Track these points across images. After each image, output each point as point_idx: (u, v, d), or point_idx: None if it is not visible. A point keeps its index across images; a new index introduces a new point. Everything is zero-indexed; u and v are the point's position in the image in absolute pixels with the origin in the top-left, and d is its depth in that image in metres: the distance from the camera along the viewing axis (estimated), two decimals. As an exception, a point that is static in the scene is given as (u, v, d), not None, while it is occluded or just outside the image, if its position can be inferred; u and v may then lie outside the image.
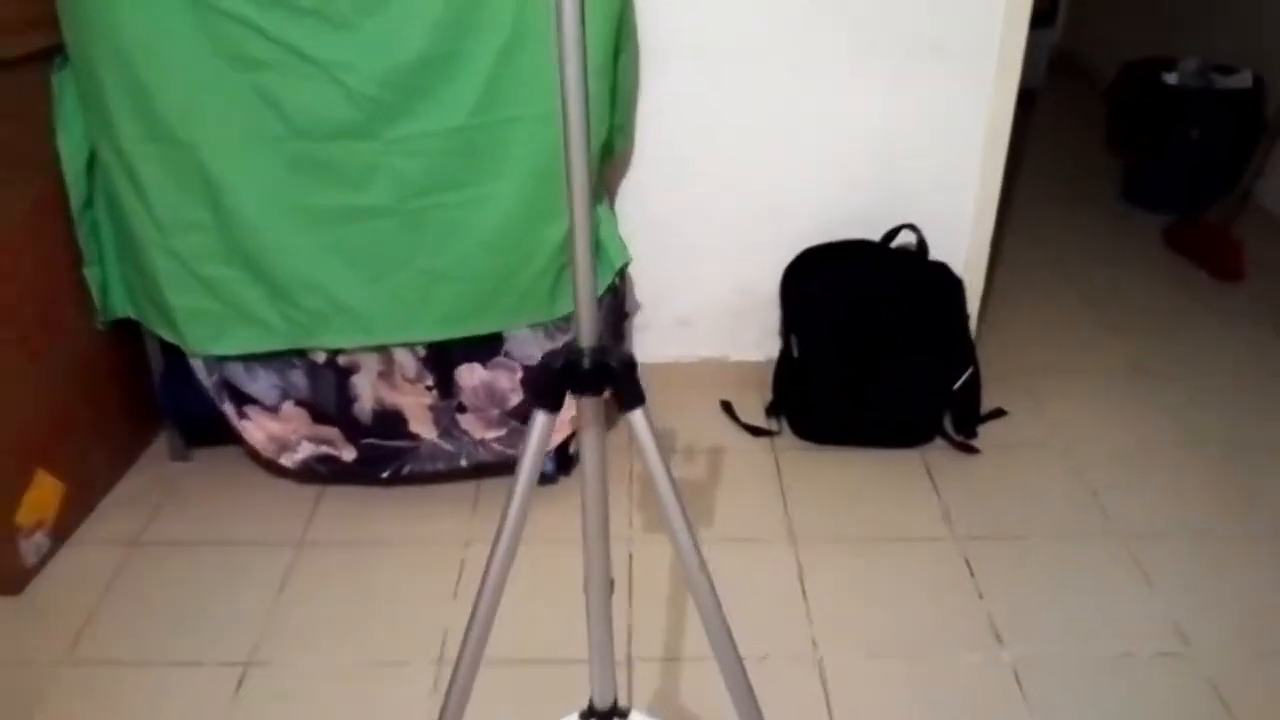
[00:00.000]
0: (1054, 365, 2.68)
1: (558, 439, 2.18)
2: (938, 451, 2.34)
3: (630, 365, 0.85)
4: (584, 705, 1.15)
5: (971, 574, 1.98)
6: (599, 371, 0.84)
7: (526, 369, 2.09)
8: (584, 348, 0.84)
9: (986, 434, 2.38)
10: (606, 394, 0.86)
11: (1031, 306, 2.96)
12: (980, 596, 1.93)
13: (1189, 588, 1.94)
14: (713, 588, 0.96)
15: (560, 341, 2.09)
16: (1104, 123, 4.07)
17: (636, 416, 0.85)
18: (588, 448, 0.94)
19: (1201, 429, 2.41)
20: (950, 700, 1.71)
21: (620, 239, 2.18)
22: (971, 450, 2.33)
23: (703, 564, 0.94)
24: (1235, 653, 1.79)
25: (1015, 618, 1.87)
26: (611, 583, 1.04)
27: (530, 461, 0.85)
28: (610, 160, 2.25)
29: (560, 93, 0.75)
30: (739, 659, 1.00)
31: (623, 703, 1.14)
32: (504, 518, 0.92)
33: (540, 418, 0.85)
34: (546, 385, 0.83)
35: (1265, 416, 2.46)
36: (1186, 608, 1.89)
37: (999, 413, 2.44)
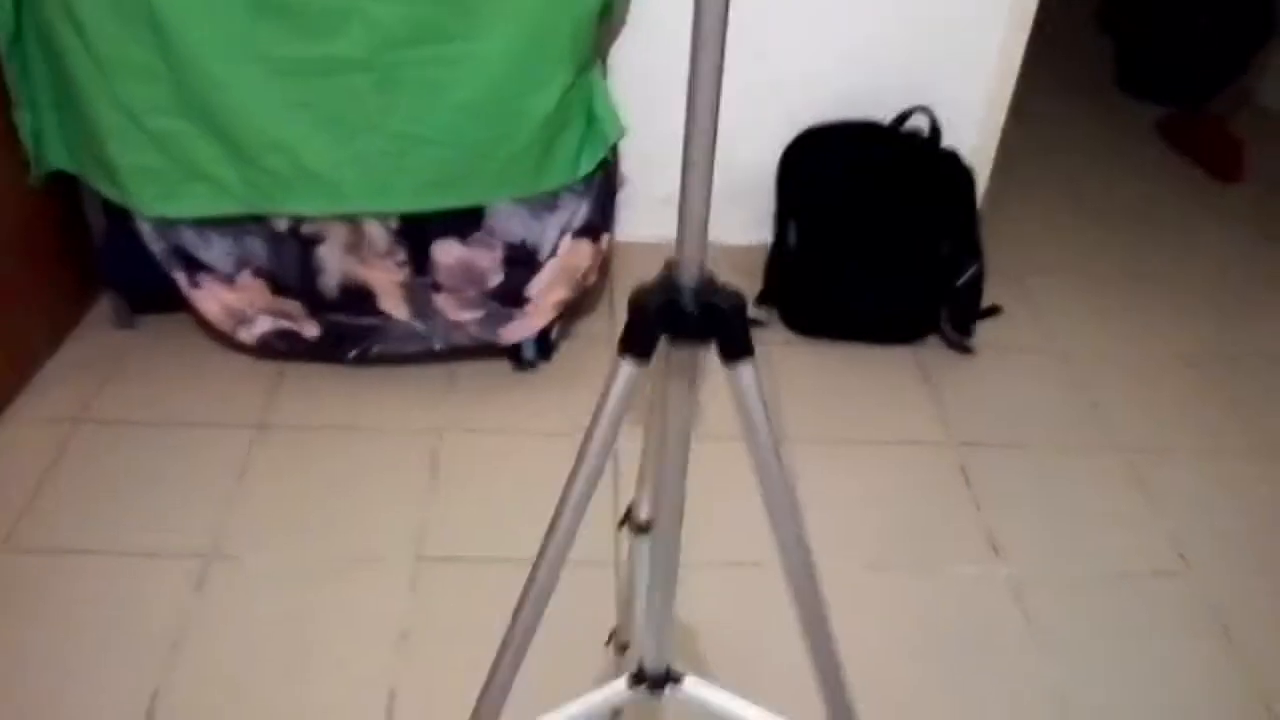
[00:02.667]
0: (1048, 265, 2.58)
1: (541, 322, 2.04)
2: (932, 350, 2.25)
3: (741, 309, 0.69)
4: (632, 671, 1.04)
5: (968, 483, 1.91)
6: (705, 315, 0.69)
7: (508, 246, 1.93)
8: (686, 285, 0.69)
9: (982, 334, 2.28)
10: (711, 344, 0.71)
11: (1024, 201, 2.84)
12: (977, 507, 1.86)
13: (1188, 505, 1.89)
14: (819, 596, 0.84)
15: (545, 220, 1.93)
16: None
17: (745, 372, 0.70)
18: (673, 405, 0.78)
19: (1201, 343, 2.34)
20: (947, 613, 1.66)
21: (615, 108, 2.00)
22: (968, 350, 2.24)
23: (806, 551, 0.82)
24: (1234, 572, 1.76)
25: (1012, 530, 1.82)
26: (678, 547, 0.92)
27: (607, 423, 0.71)
28: (608, 20, 2.05)
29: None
30: (836, 653, 0.89)
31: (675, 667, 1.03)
32: (571, 481, 0.77)
33: (625, 368, 0.70)
34: (639, 327, 0.68)
35: (1262, 328, 2.40)
36: (1186, 526, 1.85)
37: (994, 310, 2.35)
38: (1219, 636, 1.65)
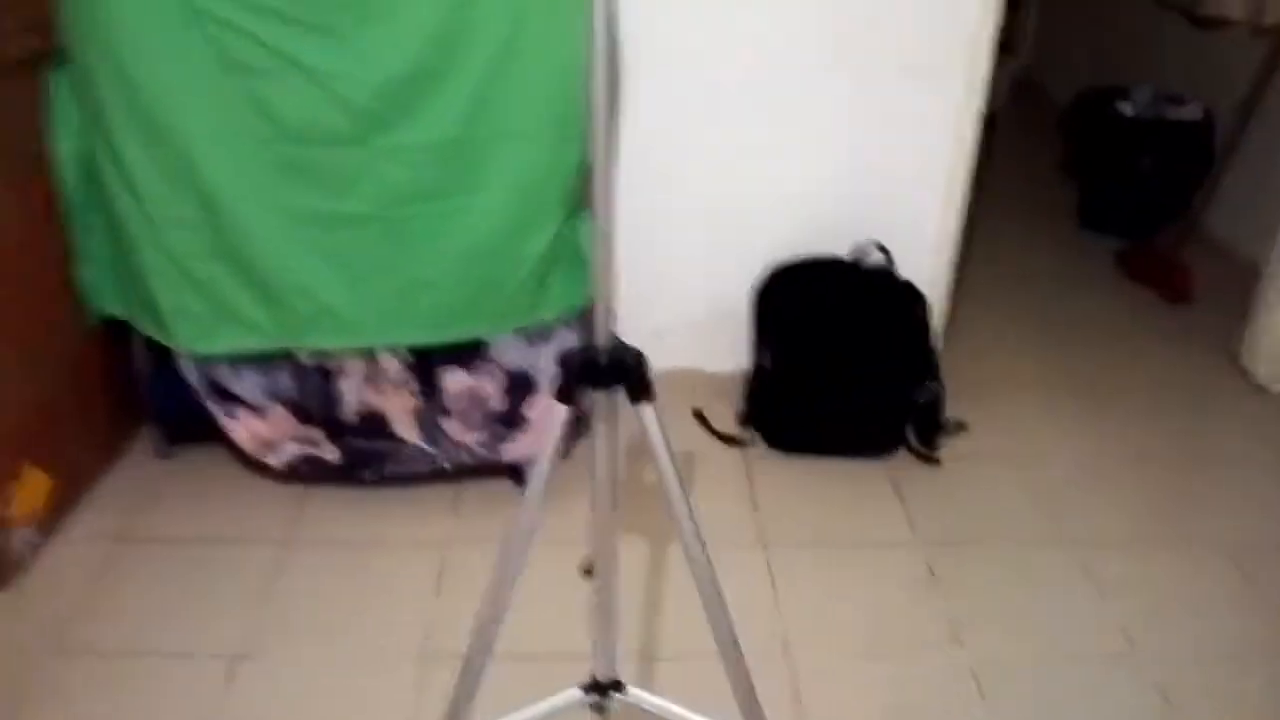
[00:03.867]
0: (1011, 382, 2.79)
1: (538, 443, 2.24)
2: (902, 462, 2.43)
3: (642, 362, 0.93)
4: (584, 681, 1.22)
5: (934, 576, 2.08)
6: (614, 368, 0.92)
7: (509, 374, 2.15)
8: (600, 346, 0.92)
9: (949, 446, 2.48)
10: (619, 389, 0.94)
11: (989, 325, 3.08)
12: (943, 599, 2.02)
13: (1136, 595, 2.04)
14: (711, 565, 1.03)
15: (540, 348, 2.15)
16: (1060, 147, 4.21)
17: (647, 411, 0.93)
18: (601, 436, 1.01)
19: (1149, 445, 2.53)
20: (913, 697, 1.80)
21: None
22: (934, 461, 2.43)
23: (703, 544, 1.02)
24: (1179, 655, 1.90)
25: (973, 620, 1.97)
26: (617, 570, 1.12)
27: (550, 447, 0.93)
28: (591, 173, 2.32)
29: (590, 104, 0.82)
30: (735, 639, 1.07)
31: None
32: (526, 500, 0.99)
33: (559, 410, 0.93)
34: (566, 379, 0.91)
35: (1209, 434, 2.59)
36: (1133, 613, 1.99)
37: (960, 426, 2.55)
38: (1165, 712, 1.78)
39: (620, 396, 0.96)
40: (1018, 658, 1.88)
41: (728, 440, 2.49)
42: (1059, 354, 2.94)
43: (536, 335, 2.14)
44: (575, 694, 1.18)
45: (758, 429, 2.49)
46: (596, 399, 0.97)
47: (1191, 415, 2.66)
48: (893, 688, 1.81)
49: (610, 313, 0.92)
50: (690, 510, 1.00)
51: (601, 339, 0.93)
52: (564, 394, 0.92)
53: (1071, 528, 2.23)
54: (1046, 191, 4.10)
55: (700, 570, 1.01)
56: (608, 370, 0.93)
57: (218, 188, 1.90)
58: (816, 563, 2.11)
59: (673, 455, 0.98)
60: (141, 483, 2.27)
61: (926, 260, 2.52)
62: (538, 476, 0.96)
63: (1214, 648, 1.92)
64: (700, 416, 2.56)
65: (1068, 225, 3.83)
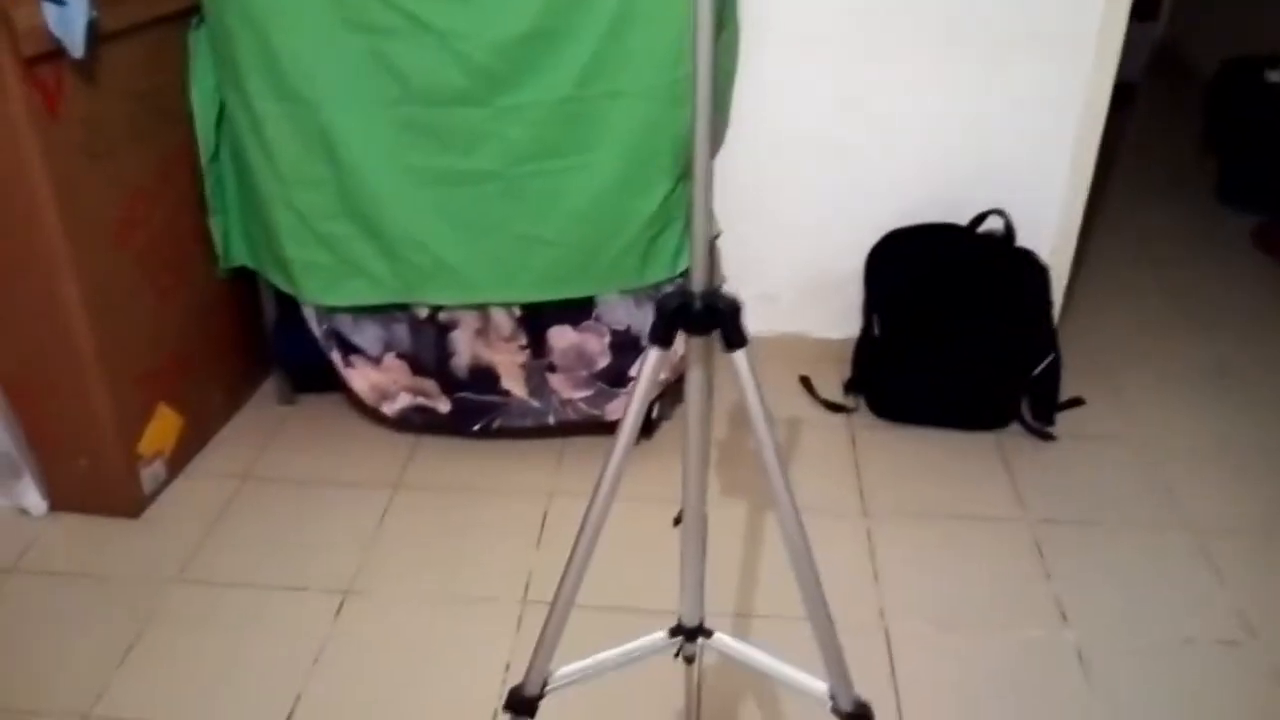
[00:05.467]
0: (1136, 360, 2.69)
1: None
2: (1013, 436, 2.38)
3: (736, 309, 0.93)
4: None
5: (1040, 555, 2.03)
6: (709, 313, 0.93)
7: (615, 333, 2.18)
8: (696, 291, 0.93)
9: (1064, 423, 2.41)
10: (715, 335, 0.95)
11: (1118, 300, 2.97)
12: (1048, 577, 1.97)
13: (1257, 582, 1.96)
14: (800, 522, 1.04)
15: (648, 309, 2.17)
16: (1201, 121, 4.02)
17: (740, 356, 0.94)
18: (693, 383, 1.03)
19: (1278, 430, 2.41)
20: (1012, 674, 1.76)
21: (712, 212, 2.25)
22: (1048, 437, 2.36)
23: (792, 498, 1.02)
24: (1299, 645, 1.82)
25: (1081, 599, 1.91)
26: (705, 517, 1.13)
27: (644, 388, 0.95)
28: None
29: (692, 61, 0.83)
30: (824, 600, 1.08)
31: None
32: (617, 439, 1.01)
33: (653, 353, 0.94)
34: (660, 323, 0.92)
35: (1348, 421, 2.46)
36: (1253, 600, 1.91)
37: (1077, 401, 2.47)
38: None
39: (715, 343, 0.97)
40: (1127, 641, 1.83)
41: (833, 407, 2.47)
42: (1188, 332, 2.82)
43: (644, 296, 2.16)
44: (661, 637, 1.20)
45: (865, 397, 2.47)
46: (690, 345, 0.98)
47: (1328, 403, 2.52)
48: (992, 664, 1.78)
49: (706, 258, 0.93)
50: (780, 460, 1.00)
51: (697, 284, 0.93)
52: (658, 337, 0.94)
53: (1190, 512, 2.14)
54: (1185, 165, 3.92)
55: (787, 519, 1.01)
56: (702, 315, 0.94)
57: (346, 147, 1.97)
58: (919, 534, 2.08)
59: (765, 403, 0.98)
60: (265, 426, 2.38)
61: (1050, 231, 2.44)
62: (631, 415, 0.98)
63: (1339, 641, 1.83)
64: (806, 382, 2.54)
65: (1206, 200, 3.66)
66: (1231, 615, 1.88)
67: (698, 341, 0.98)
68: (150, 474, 2.11)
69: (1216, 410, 2.48)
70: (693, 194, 0.89)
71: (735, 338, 0.94)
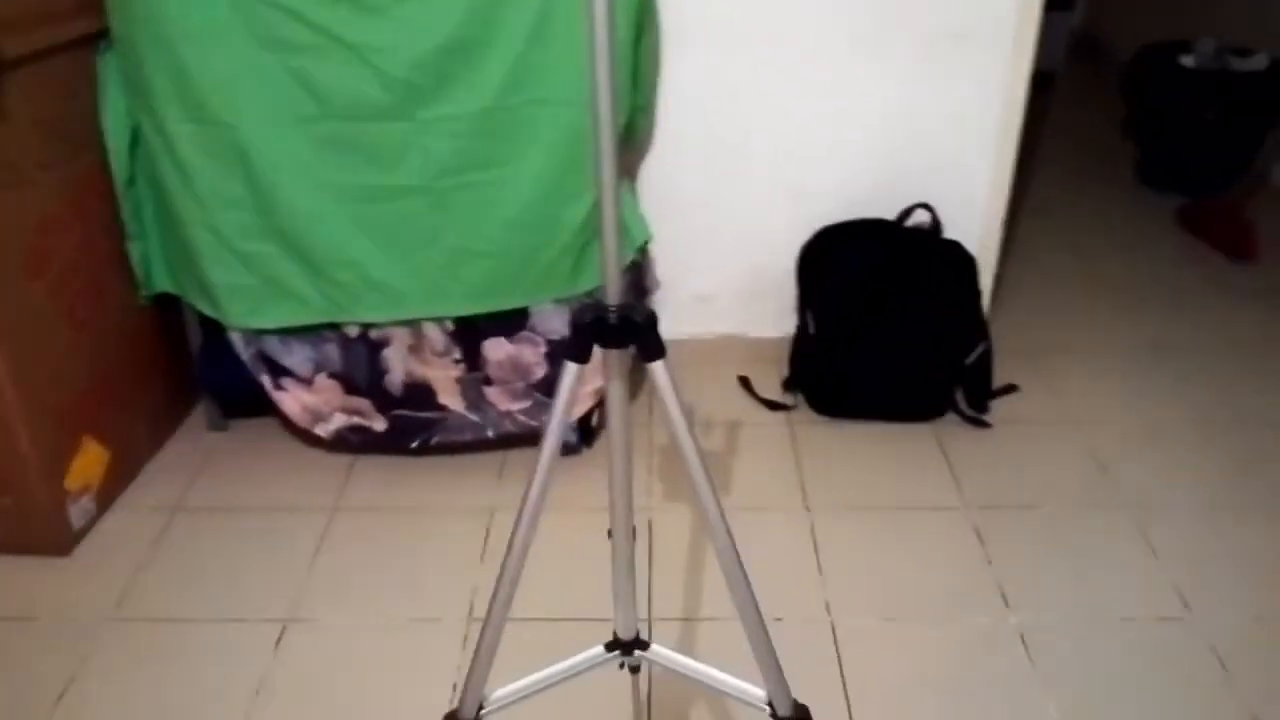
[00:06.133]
0: (1066, 344, 2.74)
1: (581, 410, 2.25)
2: (950, 426, 2.40)
3: (652, 321, 0.92)
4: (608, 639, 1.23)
5: (981, 542, 2.05)
6: (624, 326, 0.92)
7: (550, 343, 2.16)
8: (611, 305, 0.92)
9: (998, 410, 2.44)
10: (631, 348, 0.94)
11: (1046, 286, 3.02)
12: (989, 563, 1.99)
13: (1192, 557, 2.00)
14: (729, 531, 1.03)
15: (583, 316, 2.16)
16: (1121, 106, 4.10)
17: (658, 368, 0.93)
18: (613, 396, 1.02)
19: (1209, 407, 2.46)
20: (959, 661, 1.78)
21: (642, 217, 2.25)
22: (983, 425, 2.39)
23: (719, 506, 1.01)
24: (1234, 618, 1.85)
25: (1022, 584, 1.94)
26: (634, 530, 1.12)
27: (561, 404, 0.93)
28: (632, 141, 2.32)
29: (590, 71, 0.82)
30: (757, 607, 1.07)
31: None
32: (539, 457, 1.00)
33: (570, 368, 0.93)
34: (576, 338, 0.91)
35: (1272, 395, 2.51)
36: (1189, 576, 1.95)
37: (1011, 388, 2.50)
38: (1219, 676, 1.74)
39: (632, 355, 0.96)
40: (1068, 622, 1.85)
41: (772, 405, 2.47)
42: (1115, 314, 2.88)
43: (577, 303, 2.14)
44: (597, 652, 1.19)
45: (804, 394, 2.48)
46: (609, 358, 0.97)
47: (1253, 377, 2.58)
48: (939, 652, 1.79)
49: (618, 271, 0.92)
50: (703, 464, 0.99)
51: (612, 297, 0.92)
52: (575, 352, 0.92)
53: (1125, 491, 2.18)
54: (1105, 151, 4.00)
55: (717, 531, 1.01)
56: (618, 329, 0.93)
57: (265, 166, 1.93)
58: (861, 527, 2.09)
59: (686, 410, 0.98)
60: (195, 454, 2.33)
61: (977, 221, 2.48)
62: (552, 432, 0.96)
63: (1273, 611, 1.87)
64: (745, 382, 2.55)
65: (1127, 184, 3.73)
66: (1168, 591, 1.92)
67: (615, 354, 0.96)
68: (79, 510, 2.06)
69: (1149, 390, 2.53)
70: (601, 210, 0.88)
71: (652, 350, 0.93)
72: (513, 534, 1.06)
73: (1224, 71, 3.48)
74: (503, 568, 1.09)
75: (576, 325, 0.91)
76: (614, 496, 1.09)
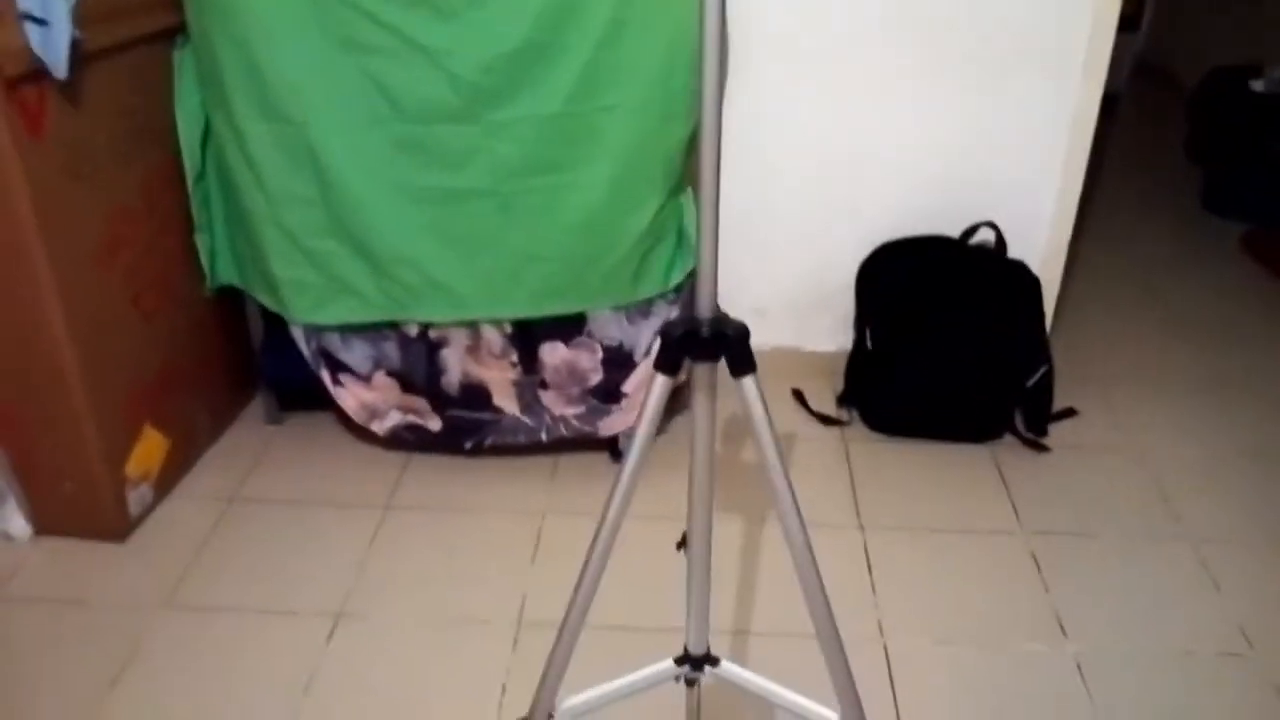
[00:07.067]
0: (1128, 370, 2.69)
1: (635, 418, 2.24)
2: (1008, 448, 2.37)
3: (744, 335, 0.92)
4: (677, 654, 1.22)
5: (1038, 568, 2.01)
6: (715, 340, 0.91)
7: (606, 349, 2.16)
8: (703, 318, 0.91)
9: (1057, 434, 2.40)
10: (721, 361, 0.93)
11: (1108, 311, 2.97)
12: (1046, 589, 1.96)
13: (1256, 593, 1.95)
14: (809, 544, 1.02)
15: (640, 325, 2.15)
16: (1185, 130, 4.04)
17: (748, 382, 0.92)
18: (700, 409, 1.01)
19: (1272, 441, 2.41)
20: (1012, 687, 1.75)
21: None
22: (1042, 449, 2.35)
23: (802, 522, 1.00)
24: (1301, 657, 1.81)
25: (1080, 611, 1.90)
26: (710, 545, 1.11)
27: (649, 418, 0.93)
28: (696, 151, 2.31)
29: (700, 78, 0.82)
30: (836, 630, 1.06)
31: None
32: (621, 469, 1.00)
33: (659, 380, 0.92)
34: (666, 350, 0.90)
35: (1340, 429, 2.46)
36: (1252, 611, 1.91)
37: (1070, 412, 2.47)
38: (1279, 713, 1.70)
39: (720, 369, 0.95)
40: (1127, 652, 1.82)
41: (826, 420, 2.45)
42: (1177, 341, 2.83)
43: (636, 311, 2.14)
44: (668, 666, 1.18)
45: (858, 410, 2.46)
46: (697, 371, 0.96)
47: (1320, 410, 2.53)
48: (993, 677, 1.77)
49: (713, 284, 0.91)
50: (790, 486, 0.98)
51: (704, 310, 0.92)
52: (664, 364, 0.92)
53: (1186, 523, 2.14)
54: (1169, 174, 3.94)
55: (798, 548, 0.99)
56: (709, 342, 0.92)
57: (334, 166, 1.95)
58: (915, 547, 2.07)
59: (773, 429, 0.97)
60: (253, 446, 2.35)
61: (1041, 243, 2.44)
62: (637, 445, 0.96)
63: (1340, 651, 1.82)
64: (799, 396, 2.53)
65: (1191, 209, 3.67)
66: (1231, 626, 1.87)
67: (704, 368, 0.96)
68: (137, 497, 2.08)
69: (1210, 419, 2.49)
70: (700, 218, 0.88)
71: (742, 364, 0.92)
72: (593, 543, 1.05)
73: (1295, 98, 3.43)
74: (581, 576, 1.08)
75: (668, 337, 0.91)
76: (694, 510, 1.08)
